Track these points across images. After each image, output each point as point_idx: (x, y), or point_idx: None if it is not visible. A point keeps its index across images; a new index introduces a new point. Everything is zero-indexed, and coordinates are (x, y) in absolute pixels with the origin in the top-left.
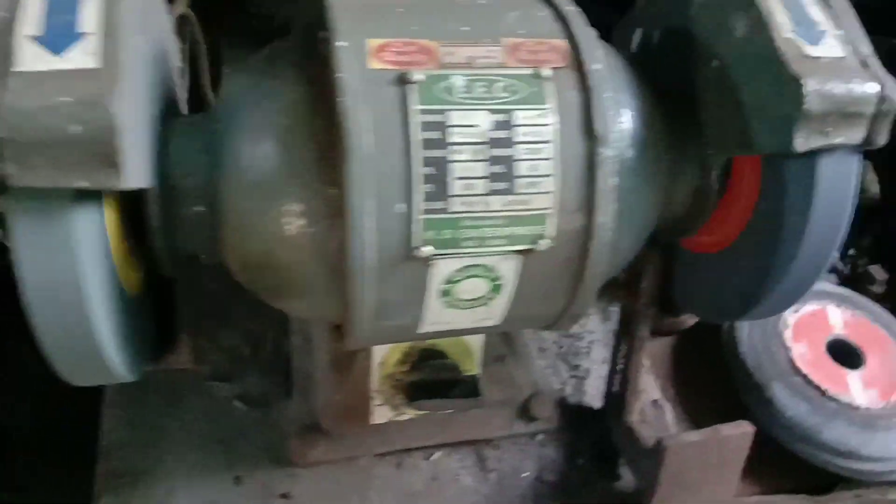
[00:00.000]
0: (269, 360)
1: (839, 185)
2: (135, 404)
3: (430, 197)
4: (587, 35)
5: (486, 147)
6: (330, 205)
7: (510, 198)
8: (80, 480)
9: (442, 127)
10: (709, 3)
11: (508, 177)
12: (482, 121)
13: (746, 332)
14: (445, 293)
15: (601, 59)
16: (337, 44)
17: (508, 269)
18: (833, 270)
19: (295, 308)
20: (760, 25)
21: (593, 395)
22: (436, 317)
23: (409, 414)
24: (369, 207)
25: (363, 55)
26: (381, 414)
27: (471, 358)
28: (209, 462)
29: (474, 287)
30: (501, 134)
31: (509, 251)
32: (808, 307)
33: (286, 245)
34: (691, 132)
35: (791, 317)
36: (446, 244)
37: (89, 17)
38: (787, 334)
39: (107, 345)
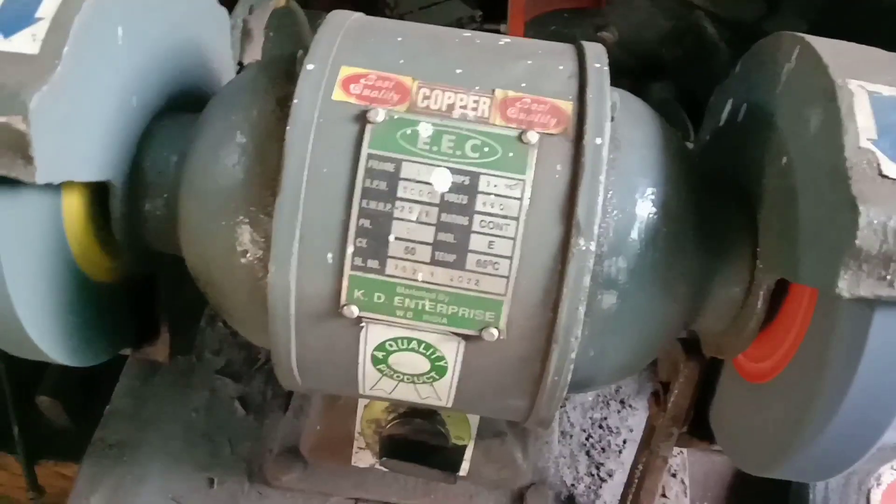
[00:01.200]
0: None
1: None
2: (149, 380)
3: (363, 253)
4: (600, 99)
5: (436, 210)
6: (266, 237)
7: (457, 273)
8: None
9: (391, 178)
10: (791, 84)
11: (459, 249)
12: (439, 180)
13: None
14: (379, 360)
15: (606, 132)
16: (306, 66)
17: (450, 352)
18: None
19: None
20: (834, 124)
21: (609, 502)
22: (372, 382)
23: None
24: (296, 250)
25: (331, 83)
26: (362, 458)
27: (466, 425)
28: (190, 456)
29: (413, 362)
30: (459, 199)
31: (451, 332)
32: None
33: (221, 266)
34: (743, 238)
35: (887, 474)
36: (377, 308)
37: (50, 2)
38: (876, 496)
39: (30, 325)
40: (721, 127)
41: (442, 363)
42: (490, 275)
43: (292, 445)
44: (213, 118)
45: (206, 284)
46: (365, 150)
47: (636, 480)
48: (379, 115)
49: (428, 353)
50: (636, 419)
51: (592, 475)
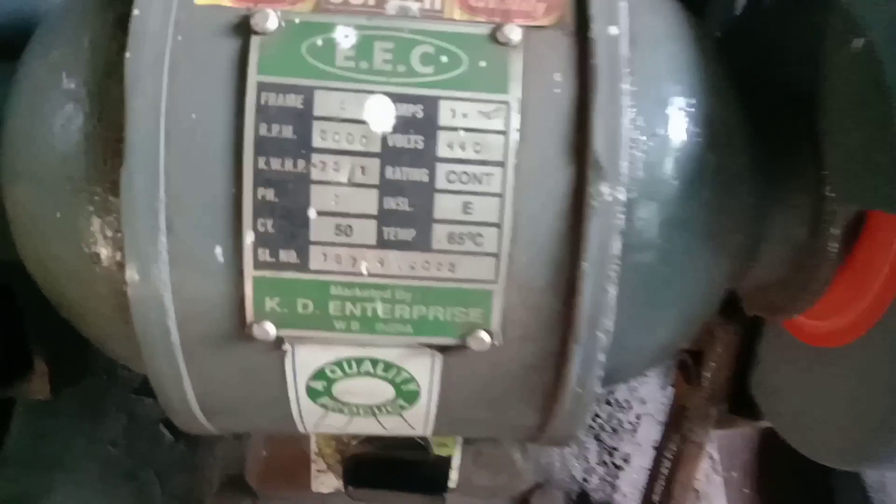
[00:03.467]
0: None
1: None
2: (48, 412)
3: (270, 241)
4: None
5: (377, 162)
6: (119, 226)
7: (420, 257)
8: None
9: (300, 119)
10: None
11: (419, 220)
12: (376, 114)
13: None
14: (318, 393)
15: (623, 16)
16: None
17: (422, 371)
18: None
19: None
20: None
21: (630, 494)
22: (315, 419)
23: None
24: (163, 246)
25: None
26: (325, 481)
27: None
28: (112, 502)
29: (368, 389)
30: (410, 141)
31: (419, 345)
32: None
33: (69, 277)
34: (804, 158)
35: None
36: (304, 322)
37: None
38: None
39: None
40: (739, 17)
41: (411, 387)
42: (470, 253)
43: (236, 474)
44: (32, 59)
45: (58, 303)
46: (253, 79)
47: (664, 471)
48: (269, 19)
49: (390, 376)
50: (648, 389)
51: (606, 463)
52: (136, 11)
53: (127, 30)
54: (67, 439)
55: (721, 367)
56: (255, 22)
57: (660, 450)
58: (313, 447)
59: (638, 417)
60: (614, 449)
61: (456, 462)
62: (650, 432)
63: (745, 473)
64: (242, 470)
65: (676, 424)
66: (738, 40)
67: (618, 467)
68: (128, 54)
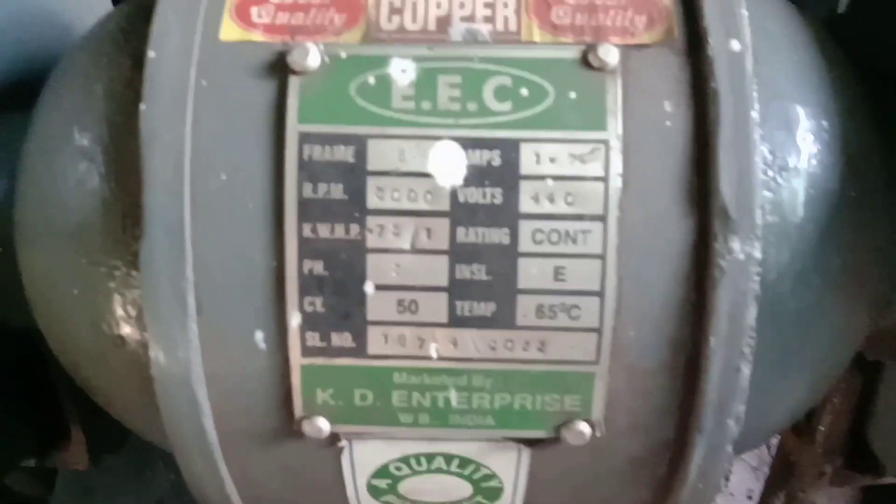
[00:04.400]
0: None
1: None
2: (95, 469)
3: (320, 322)
4: None
5: (446, 223)
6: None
7: (502, 335)
8: None
9: (352, 174)
10: None
11: (499, 291)
12: (444, 164)
13: None
14: (382, 491)
15: (744, 27)
16: None
17: (507, 468)
18: None
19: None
20: None
21: None
22: None
23: None
24: (193, 332)
25: (214, 12)
26: None
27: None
28: None
29: (442, 487)
30: (486, 195)
31: (503, 438)
32: None
33: (92, 360)
34: None
35: None
36: (363, 416)
37: None
38: None
39: None
40: (842, 15)
41: (493, 483)
42: (564, 329)
43: None
44: (44, 110)
45: (84, 386)
46: (293, 128)
47: None
48: (310, 55)
49: (467, 473)
50: None
51: None
52: (151, 53)
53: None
54: (114, 497)
55: (838, 419)
56: (294, 59)
57: None
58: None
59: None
60: None
61: None
62: (743, 480)
63: None
64: None
65: (783, 480)
66: (843, 43)
67: None
68: (143, 105)
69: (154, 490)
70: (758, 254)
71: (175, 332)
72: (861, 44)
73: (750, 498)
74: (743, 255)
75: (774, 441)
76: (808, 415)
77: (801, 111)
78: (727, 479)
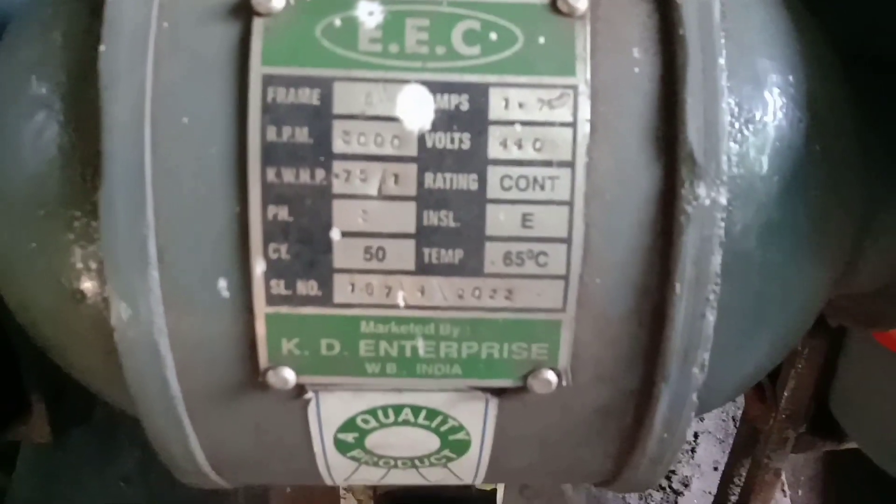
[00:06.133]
0: None
1: None
2: (55, 447)
3: (285, 270)
4: None
5: (414, 168)
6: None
7: (470, 283)
8: None
9: (317, 117)
10: None
11: (467, 238)
12: (412, 107)
13: None
14: (349, 446)
15: None
16: None
17: (474, 418)
18: None
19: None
20: None
21: None
22: (345, 474)
23: None
24: (154, 281)
25: None
26: None
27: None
28: None
29: (409, 440)
30: (454, 140)
31: (470, 388)
32: None
33: (52, 317)
34: None
35: None
36: (329, 367)
37: None
38: None
39: None
40: None
41: (460, 436)
42: (532, 276)
43: None
44: (0, 62)
45: (43, 346)
46: (257, 71)
47: (732, 497)
48: None
49: (434, 425)
50: None
51: (664, 488)
52: None
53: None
54: (77, 478)
55: (802, 386)
56: (258, 0)
57: (727, 476)
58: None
59: (696, 437)
60: (672, 472)
61: (500, 496)
62: (710, 452)
63: (812, 491)
64: None
65: (747, 448)
66: (827, 7)
67: (677, 493)
68: (102, 47)
69: (119, 468)
70: (723, 200)
71: (135, 281)
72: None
73: (716, 469)
74: (709, 200)
75: (741, 414)
76: (772, 380)
77: (768, 65)
78: (693, 450)
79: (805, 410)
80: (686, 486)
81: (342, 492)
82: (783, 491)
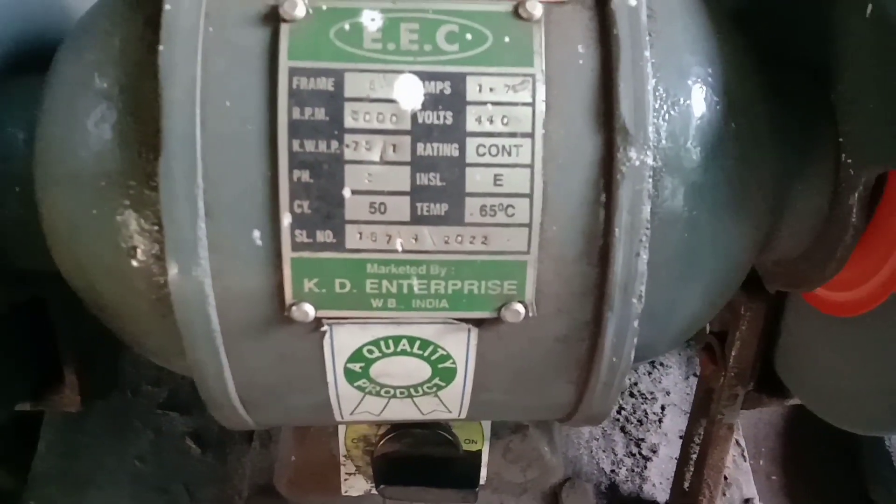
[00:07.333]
0: None
1: None
2: (75, 430)
3: (307, 222)
4: None
5: (408, 140)
6: (160, 221)
7: (454, 231)
8: None
9: (332, 101)
10: None
11: (451, 194)
12: (405, 92)
13: None
14: (357, 375)
15: None
16: None
17: (458, 347)
18: None
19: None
20: None
21: (659, 485)
22: (353, 405)
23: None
24: (202, 233)
25: None
26: (354, 484)
27: (478, 426)
28: None
29: (406, 369)
30: (439, 117)
31: (455, 320)
32: None
33: (106, 275)
34: (821, 125)
35: None
36: (342, 302)
37: None
38: None
39: None
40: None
41: (448, 364)
42: (502, 225)
43: (265, 483)
44: (64, 64)
45: (95, 304)
46: (284, 64)
47: (693, 456)
48: (297, 7)
49: (426, 354)
50: (671, 379)
51: (633, 455)
52: (167, 6)
53: (155, 30)
54: (97, 456)
55: (746, 346)
56: (284, 10)
57: (687, 436)
58: (342, 450)
59: (663, 408)
60: (641, 440)
61: (485, 457)
62: (676, 423)
63: (772, 461)
64: (270, 479)
65: (704, 408)
66: (755, 15)
67: (646, 458)
68: (161, 47)
69: (134, 448)
70: (650, 161)
71: (187, 232)
72: (762, 25)
73: (681, 438)
74: (639, 162)
75: (697, 378)
76: (721, 344)
77: (691, 60)
78: (661, 420)
79: (751, 369)
80: (654, 452)
81: (342, 458)
82: (743, 457)
